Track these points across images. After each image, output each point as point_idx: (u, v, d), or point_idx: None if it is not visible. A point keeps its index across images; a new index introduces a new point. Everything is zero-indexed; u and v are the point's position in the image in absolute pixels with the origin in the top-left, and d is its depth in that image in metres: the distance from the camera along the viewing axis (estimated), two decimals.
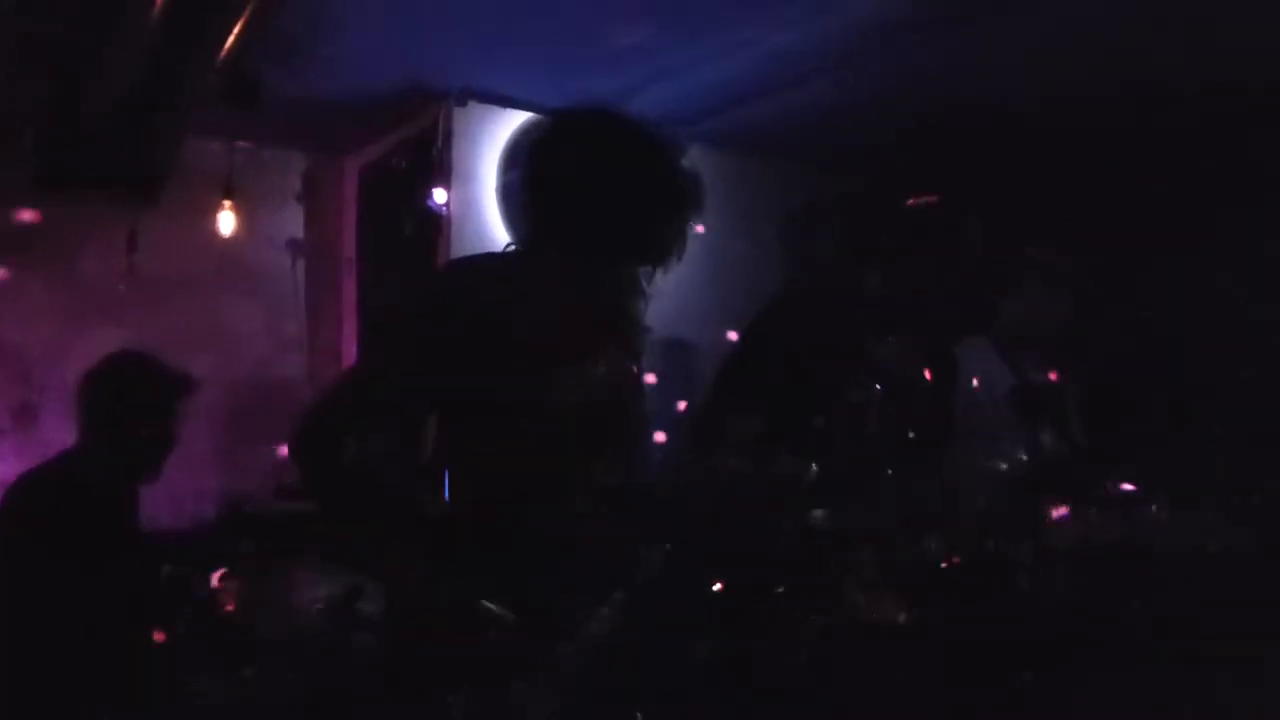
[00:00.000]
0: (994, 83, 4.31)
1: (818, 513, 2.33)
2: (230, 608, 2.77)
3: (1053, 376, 2.71)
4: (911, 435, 2.69)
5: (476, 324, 1.74)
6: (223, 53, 3.65)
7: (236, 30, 3.50)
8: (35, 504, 2.88)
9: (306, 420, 1.78)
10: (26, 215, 4.74)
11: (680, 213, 1.89)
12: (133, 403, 2.93)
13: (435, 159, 4.76)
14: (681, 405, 4.28)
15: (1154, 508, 2.63)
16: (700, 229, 2.00)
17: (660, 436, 3.17)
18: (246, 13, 3.37)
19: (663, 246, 1.88)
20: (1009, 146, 4.49)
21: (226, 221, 5.03)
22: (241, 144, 5.15)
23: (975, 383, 2.80)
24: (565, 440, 1.80)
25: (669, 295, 2.02)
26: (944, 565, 2.45)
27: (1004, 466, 2.69)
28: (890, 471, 2.64)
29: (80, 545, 2.76)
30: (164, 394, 2.99)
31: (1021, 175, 4.22)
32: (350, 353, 5.61)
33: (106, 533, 2.88)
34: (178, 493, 4.32)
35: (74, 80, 3.90)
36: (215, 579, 3.05)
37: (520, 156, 1.98)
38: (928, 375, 2.80)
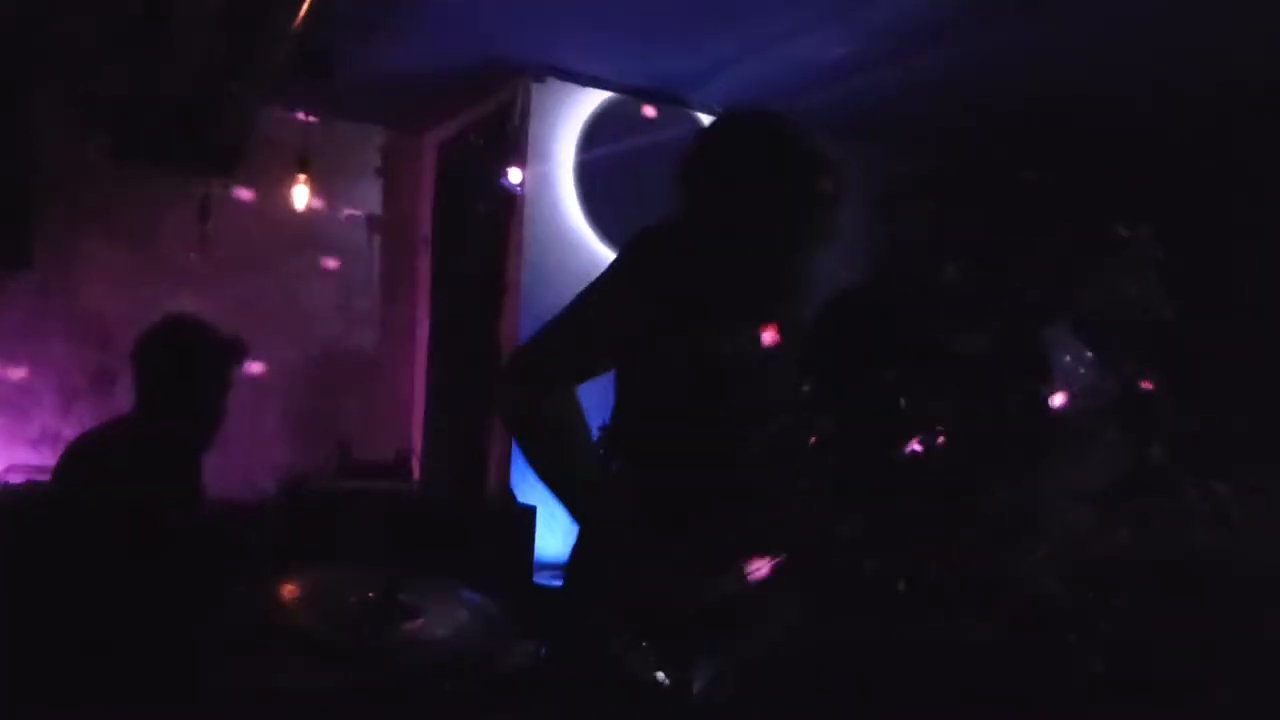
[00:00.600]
0: (1070, 67, 4.15)
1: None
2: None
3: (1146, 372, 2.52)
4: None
5: (670, 288, 1.85)
6: (295, 24, 3.61)
7: (306, 4, 3.45)
8: (89, 462, 2.88)
9: (514, 364, 1.92)
10: (107, 186, 4.80)
11: (832, 206, 2.00)
12: (180, 364, 2.91)
13: (511, 136, 4.68)
14: None
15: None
16: None
17: None
18: None
19: (820, 235, 1.99)
20: (1088, 130, 4.31)
21: (301, 195, 5.03)
22: (319, 117, 5.13)
23: (1062, 377, 2.62)
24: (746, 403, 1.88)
25: None
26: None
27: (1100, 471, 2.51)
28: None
29: (132, 506, 2.74)
30: (214, 358, 2.95)
31: (1100, 161, 4.07)
32: (423, 331, 5.59)
33: (159, 494, 2.86)
34: (242, 464, 4.34)
35: (151, 55, 3.91)
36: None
37: (696, 152, 2.06)
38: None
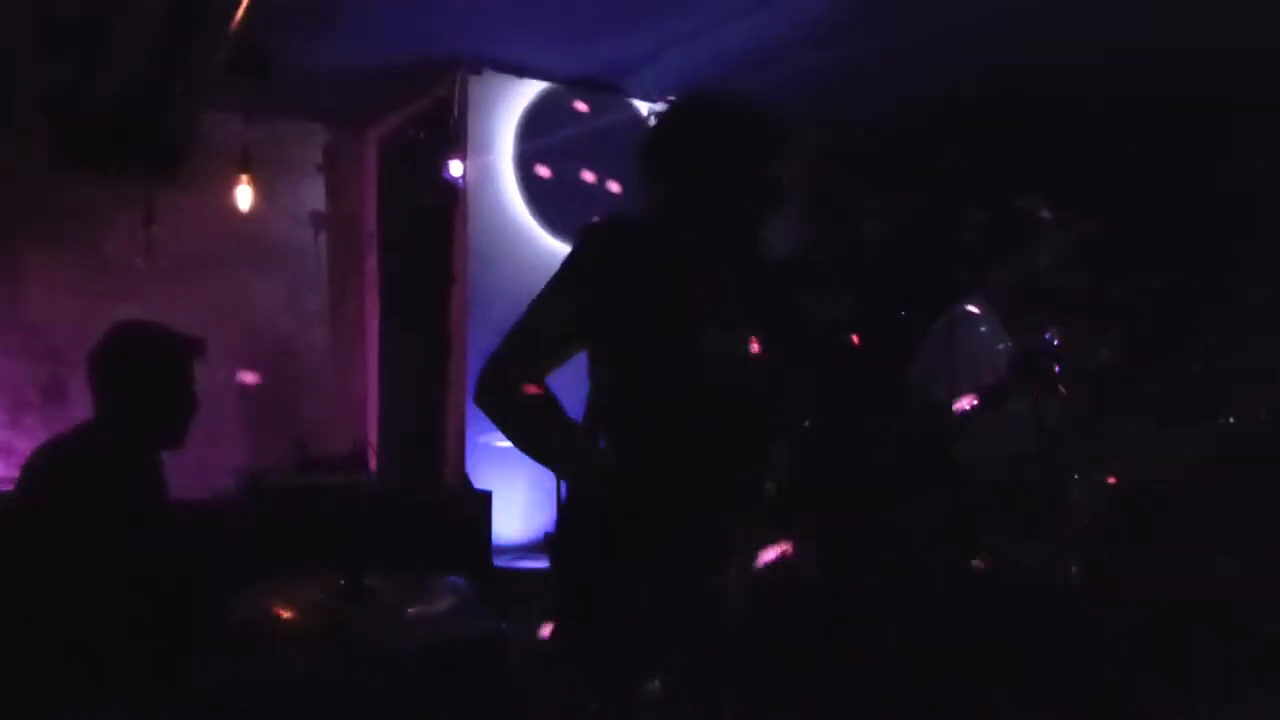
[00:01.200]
0: (989, 50, 4.31)
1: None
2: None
3: (1055, 337, 2.68)
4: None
5: (628, 276, 1.96)
6: (232, 25, 3.64)
7: (244, 3, 3.48)
8: (55, 471, 2.90)
9: (486, 366, 1.98)
10: (48, 194, 4.78)
11: (779, 175, 2.11)
12: (142, 368, 2.94)
13: (451, 129, 4.74)
14: None
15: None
16: None
17: None
18: None
19: (777, 198, 2.11)
20: (1008, 113, 4.48)
21: (244, 196, 5.04)
22: (259, 117, 5.14)
23: (977, 344, 2.78)
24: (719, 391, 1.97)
25: None
26: None
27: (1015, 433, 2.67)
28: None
29: (99, 512, 2.78)
30: (171, 357, 2.99)
31: (1019, 138, 4.26)
32: (374, 325, 5.64)
33: (125, 500, 2.90)
34: (201, 465, 4.36)
35: (88, 58, 3.90)
36: None
37: (659, 138, 2.15)
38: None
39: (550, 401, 1.96)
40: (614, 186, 4.76)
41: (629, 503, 1.89)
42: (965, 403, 2.63)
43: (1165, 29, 4.06)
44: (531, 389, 1.95)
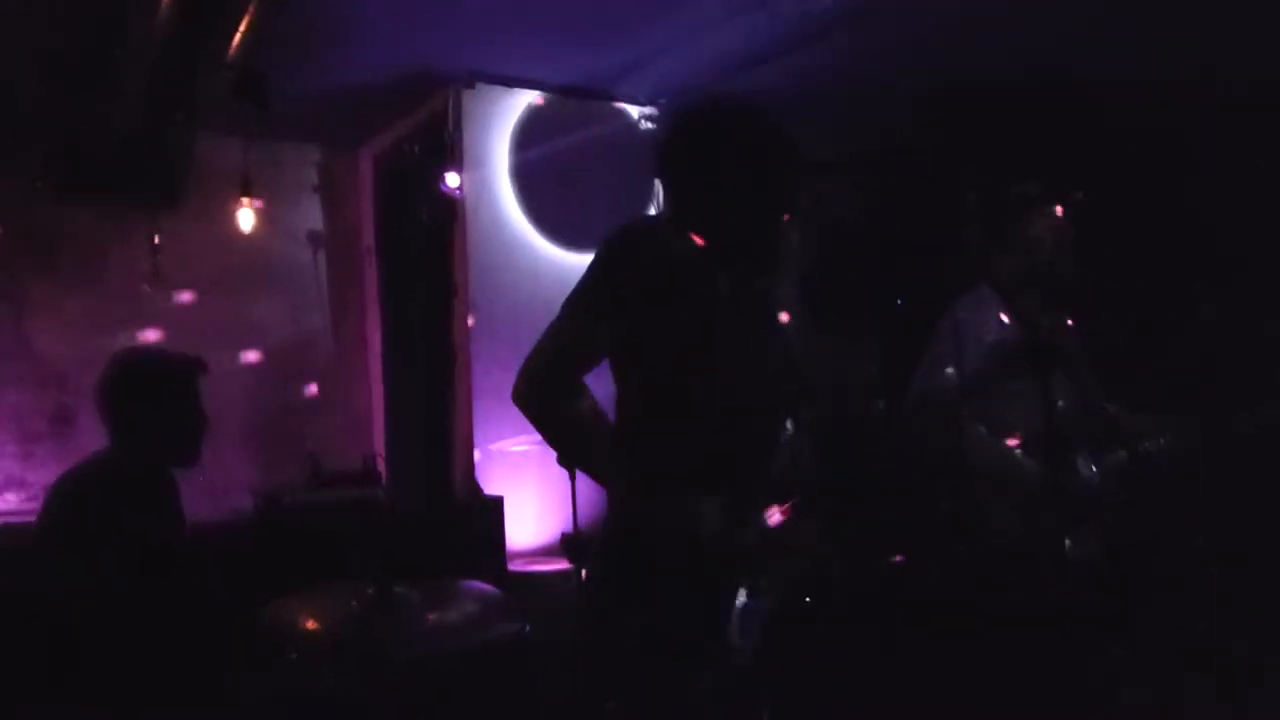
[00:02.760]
0: (984, 48, 4.39)
1: None
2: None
3: (1063, 321, 2.75)
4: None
5: (656, 284, 2.01)
6: (230, 53, 3.70)
7: (242, 29, 3.55)
8: (78, 499, 2.95)
9: (524, 373, 2.04)
10: (52, 225, 4.84)
11: (795, 177, 2.18)
12: (147, 395, 3.01)
13: (447, 143, 4.80)
14: None
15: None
16: None
17: None
18: (250, 12, 3.41)
19: (791, 205, 2.17)
20: (1004, 107, 4.57)
21: (246, 218, 5.10)
22: (255, 140, 5.20)
23: (979, 330, 2.84)
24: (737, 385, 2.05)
25: None
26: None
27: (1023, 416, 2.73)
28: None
29: (125, 537, 2.84)
30: (174, 380, 3.06)
31: (1014, 136, 4.34)
32: (376, 339, 5.70)
33: (150, 522, 2.96)
34: (213, 486, 4.42)
35: (89, 89, 3.96)
36: None
37: (675, 143, 2.20)
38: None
39: (588, 409, 2.02)
40: (608, 192, 4.81)
41: (670, 512, 1.95)
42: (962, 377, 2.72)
43: (1150, 26, 4.14)
44: (569, 395, 2.02)
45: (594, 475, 2.12)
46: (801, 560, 2.03)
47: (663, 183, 2.19)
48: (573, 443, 2.09)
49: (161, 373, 3.07)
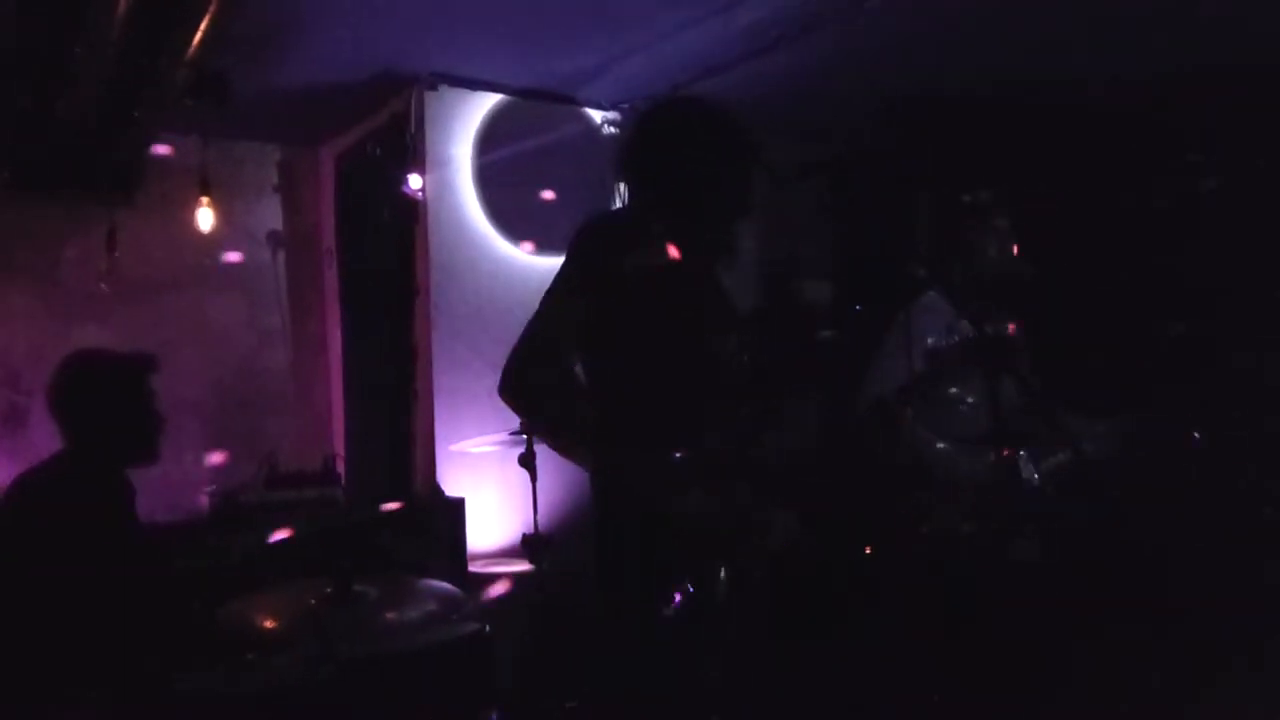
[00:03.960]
0: (945, 56, 4.47)
1: None
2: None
3: (1009, 326, 2.82)
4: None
5: (628, 275, 2.07)
6: (189, 50, 3.68)
7: (202, 27, 3.53)
8: (33, 501, 2.93)
9: (510, 366, 2.09)
10: (5, 219, 4.77)
11: (750, 173, 2.26)
12: (98, 396, 2.99)
13: (409, 144, 4.80)
14: None
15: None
16: None
17: None
18: (210, 10, 3.39)
19: (747, 202, 2.25)
20: (959, 113, 4.65)
21: (205, 217, 5.06)
22: (214, 138, 5.16)
23: (931, 334, 2.90)
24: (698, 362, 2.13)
25: None
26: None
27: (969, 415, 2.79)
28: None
29: (82, 538, 2.82)
30: (125, 378, 3.05)
31: (972, 141, 4.43)
32: (335, 341, 5.68)
33: (109, 521, 2.94)
34: (169, 486, 4.38)
35: (46, 84, 3.92)
36: None
37: (637, 143, 2.30)
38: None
39: (575, 395, 2.09)
40: (570, 194, 4.83)
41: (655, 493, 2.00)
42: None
43: (1107, 31, 4.24)
44: (555, 383, 2.08)
45: (583, 460, 2.17)
46: (775, 542, 2.09)
47: (625, 181, 2.23)
48: (563, 428, 2.14)
49: (112, 371, 3.05)
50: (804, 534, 2.18)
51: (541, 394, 2.08)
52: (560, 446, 2.18)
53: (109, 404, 3.01)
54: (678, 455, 2.00)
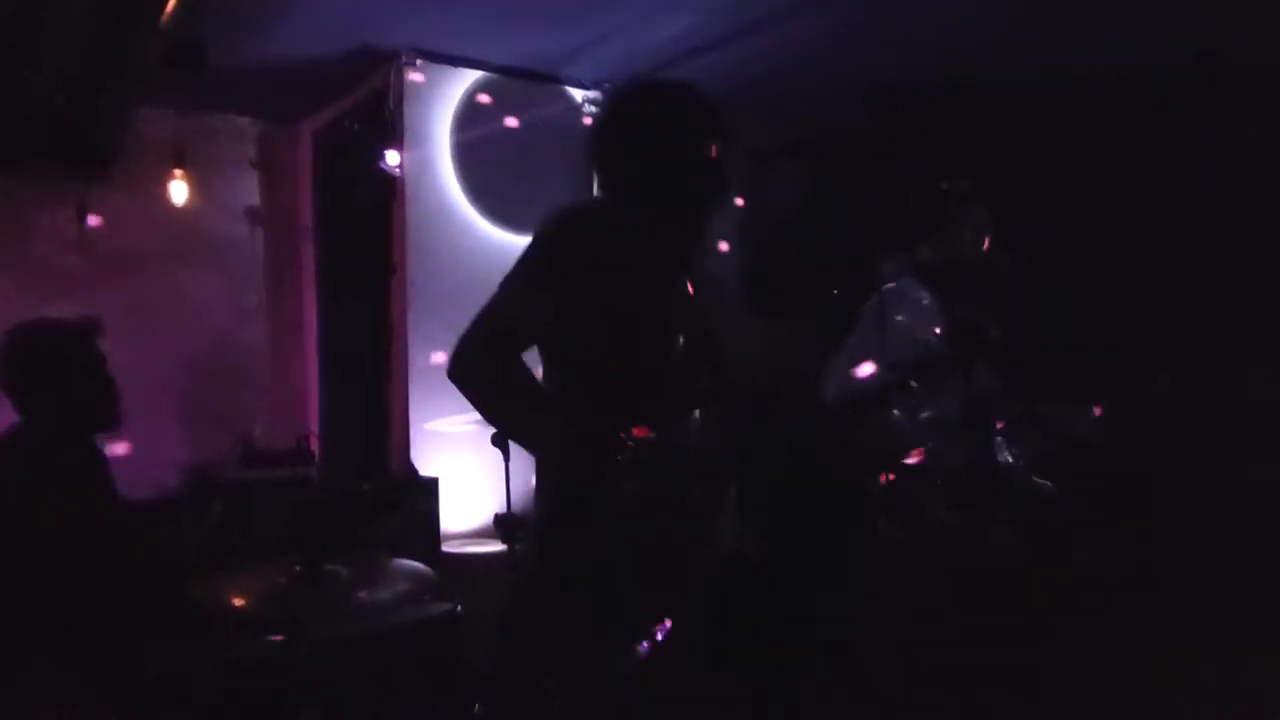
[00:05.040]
0: (927, 39, 4.45)
1: None
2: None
3: (987, 313, 2.82)
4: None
5: (594, 263, 2.05)
6: (165, 18, 3.62)
7: None
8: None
9: (462, 348, 2.05)
10: None
11: (723, 155, 2.21)
12: (42, 366, 2.95)
13: (388, 120, 4.76)
14: None
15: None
16: None
17: None
18: None
19: (722, 188, 2.21)
20: (938, 97, 4.65)
21: (179, 191, 5.01)
22: (191, 112, 5.10)
23: (905, 319, 2.91)
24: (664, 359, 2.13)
25: None
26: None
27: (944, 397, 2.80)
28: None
29: (48, 506, 2.79)
30: (67, 346, 3.01)
31: (951, 125, 4.43)
32: (312, 318, 5.64)
33: (73, 491, 2.91)
34: (142, 463, 4.35)
35: (16, 55, 3.85)
36: None
37: (611, 125, 2.25)
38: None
39: (524, 381, 2.05)
40: (550, 174, 4.80)
41: (608, 472, 1.98)
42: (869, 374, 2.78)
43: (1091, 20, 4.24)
44: (506, 368, 2.03)
45: (530, 446, 2.15)
46: (724, 544, 2.08)
47: (597, 163, 2.21)
48: (510, 415, 2.11)
49: (57, 339, 3.01)
50: (750, 540, 2.16)
51: (490, 382, 2.04)
52: (508, 434, 2.16)
53: (52, 375, 2.96)
54: (629, 448, 1.97)
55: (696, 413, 2.14)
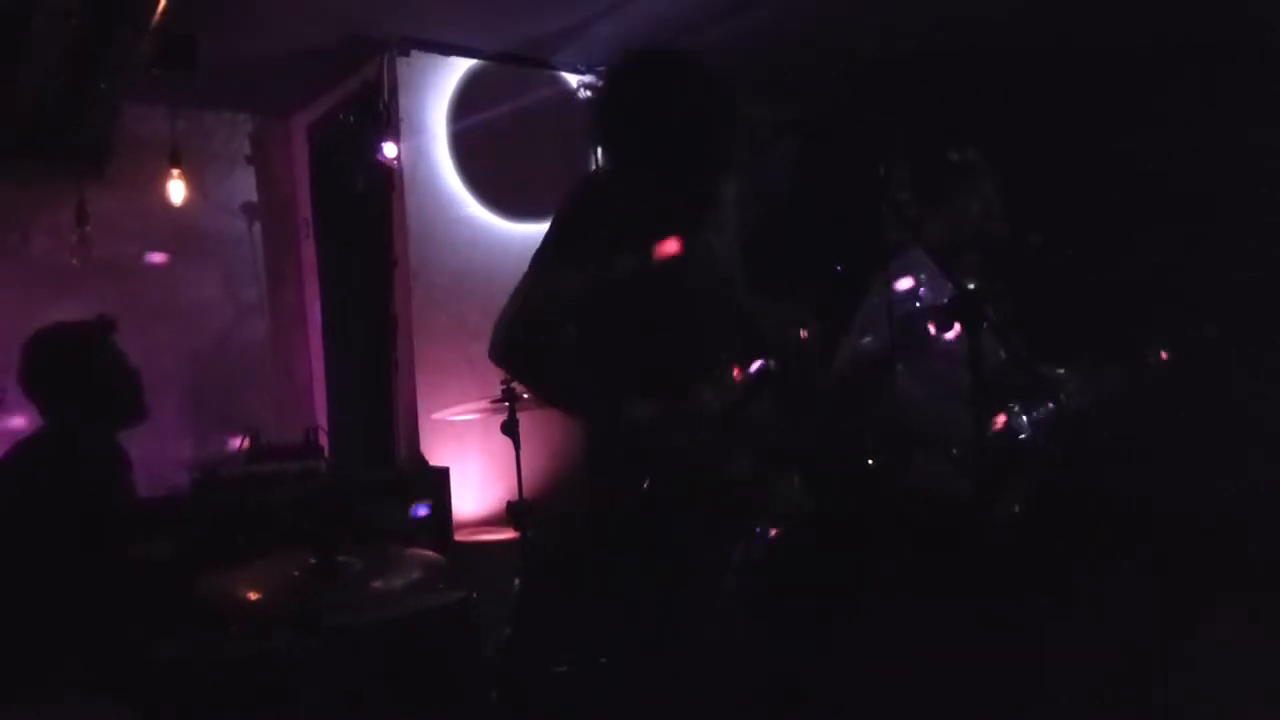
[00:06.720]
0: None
1: None
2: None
3: (994, 282, 2.81)
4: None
5: (616, 236, 2.08)
6: (154, 18, 3.61)
7: None
8: (25, 474, 2.91)
9: (501, 329, 2.09)
10: None
11: (736, 130, 2.23)
12: (64, 369, 2.97)
13: (382, 112, 4.74)
14: None
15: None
16: None
17: None
18: None
19: (729, 156, 2.23)
20: (938, 69, 4.62)
21: (176, 190, 5.00)
22: (184, 110, 5.09)
23: (911, 287, 2.90)
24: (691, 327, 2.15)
25: None
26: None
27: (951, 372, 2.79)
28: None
29: (76, 510, 2.80)
30: (85, 346, 3.02)
31: (948, 100, 4.41)
32: (315, 312, 5.63)
33: (103, 488, 2.93)
34: (149, 462, 4.34)
35: (7, 57, 3.84)
36: None
37: (614, 98, 2.26)
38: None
39: (565, 351, 2.11)
40: (548, 159, 4.79)
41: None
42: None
43: None
44: (547, 342, 2.08)
45: (577, 415, 2.21)
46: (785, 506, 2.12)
47: (600, 140, 2.21)
48: (556, 386, 2.16)
49: (75, 340, 3.02)
50: (808, 500, 2.19)
51: (539, 359, 2.08)
52: (557, 407, 2.22)
53: (75, 377, 2.98)
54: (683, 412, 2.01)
55: (736, 374, 2.18)
